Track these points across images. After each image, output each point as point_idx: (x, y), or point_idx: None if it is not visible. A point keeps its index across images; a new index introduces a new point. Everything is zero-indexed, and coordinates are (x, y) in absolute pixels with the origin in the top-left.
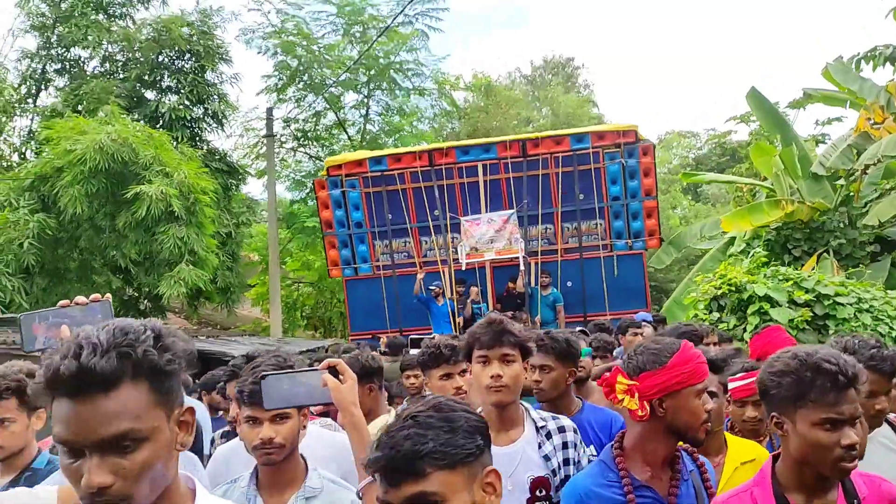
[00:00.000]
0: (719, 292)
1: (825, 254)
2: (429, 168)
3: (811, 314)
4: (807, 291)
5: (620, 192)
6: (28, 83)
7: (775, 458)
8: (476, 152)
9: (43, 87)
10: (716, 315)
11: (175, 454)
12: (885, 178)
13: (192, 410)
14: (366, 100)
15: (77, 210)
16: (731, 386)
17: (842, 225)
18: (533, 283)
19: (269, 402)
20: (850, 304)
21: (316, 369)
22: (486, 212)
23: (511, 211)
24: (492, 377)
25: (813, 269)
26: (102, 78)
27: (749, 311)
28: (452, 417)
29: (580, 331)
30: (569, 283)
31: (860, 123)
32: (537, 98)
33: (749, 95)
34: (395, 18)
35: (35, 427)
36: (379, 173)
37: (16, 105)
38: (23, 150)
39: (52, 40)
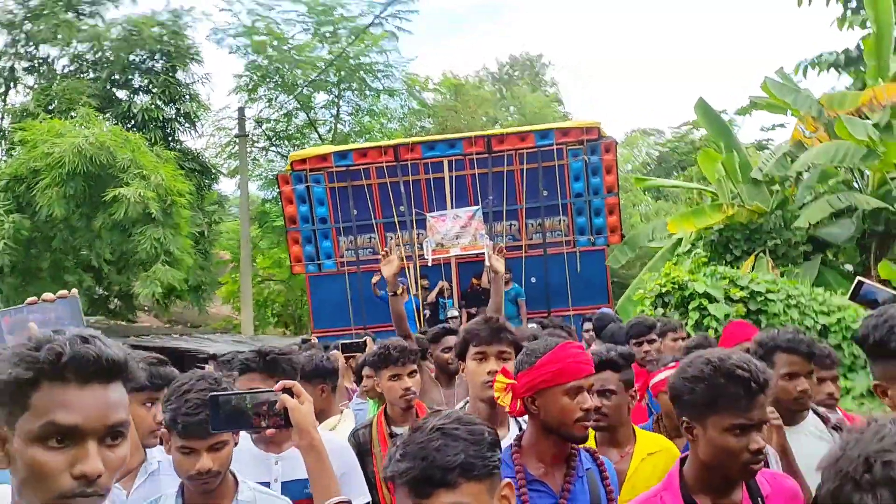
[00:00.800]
0: (664, 290)
1: (762, 253)
2: (394, 163)
3: (745, 309)
4: (741, 289)
5: (583, 189)
6: None
7: (682, 461)
8: (441, 148)
9: (12, 85)
10: (661, 311)
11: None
12: (821, 181)
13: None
14: (336, 100)
15: (55, 212)
16: (653, 381)
17: (777, 227)
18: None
19: (216, 425)
20: (780, 301)
21: (270, 390)
22: (452, 208)
23: (476, 207)
24: (489, 373)
25: (751, 267)
26: (72, 77)
27: (690, 307)
28: (476, 430)
29: (537, 323)
30: (532, 279)
31: (795, 133)
32: (504, 97)
33: (697, 105)
34: (369, 25)
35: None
36: (344, 168)
37: None
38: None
39: (20, 38)
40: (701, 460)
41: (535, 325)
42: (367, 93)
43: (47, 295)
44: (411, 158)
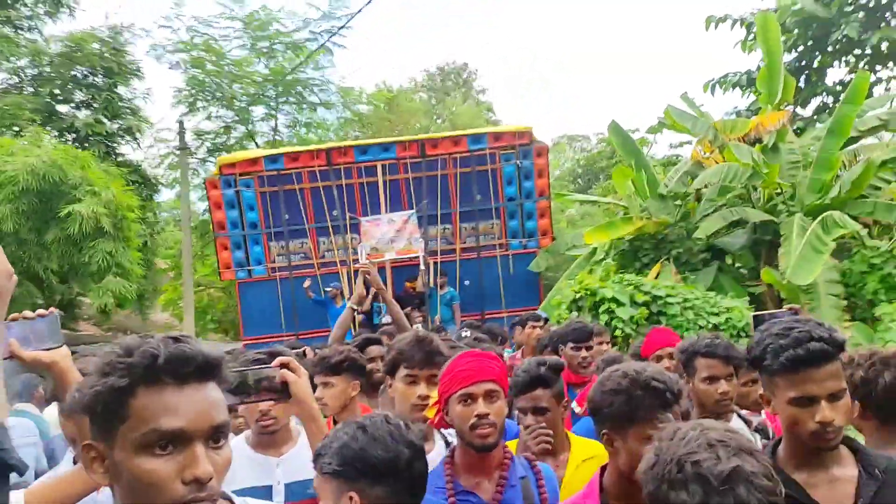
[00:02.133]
0: (577, 296)
1: (667, 261)
2: (327, 168)
3: (648, 311)
4: (645, 294)
5: (516, 193)
6: None
7: (603, 470)
8: (375, 152)
9: None
10: (575, 314)
11: None
12: (720, 195)
13: None
14: (274, 113)
15: (8, 227)
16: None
17: (680, 237)
18: (431, 284)
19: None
20: (678, 304)
21: (269, 366)
22: (386, 212)
23: (411, 211)
24: (419, 397)
25: (657, 274)
26: (12, 91)
27: (600, 310)
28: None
29: (469, 325)
30: (466, 282)
31: (694, 153)
32: (435, 109)
33: (610, 127)
34: (315, 50)
35: None
36: (275, 172)
37: None
38: None
39: None
40: (620, 470)
41: (468, 332)
42: (304, 106)
43: (27, 312)
44: (344, 162)
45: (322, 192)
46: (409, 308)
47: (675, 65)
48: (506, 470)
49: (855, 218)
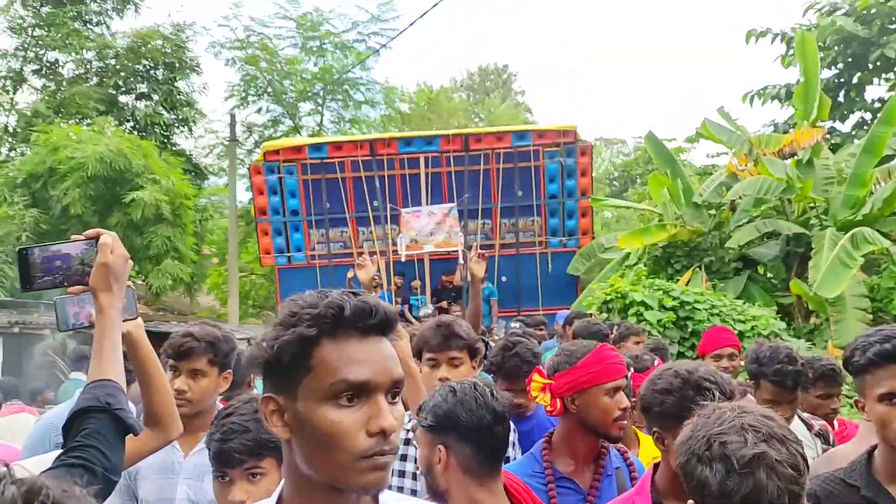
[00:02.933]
0: (608, 298)
1: (698, 268)
2: (370, 158)
3: (675, 316)
4: (673, 299)
5: (557, 191)
6: (3, 82)
7: (655, 468)
8: (418, 144)
9: (20, 86)
10: (605, 315)
11: None
12: (755, 206)
13: None
14: (320, 109)
15: (75, 209)
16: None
17: (713, 246)
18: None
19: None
20: (705, 310)
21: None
22: (427, 204)
23: (451, 204)
24: (440, 379)
25: (688, 280)
26: (79, 81)
27: (630, 313)
28: None
29: (519, 321)
30: (503, 279)
31: (729, 166)
32: (475, 108)
33: (646, 138)
34: (367, 55)
35: (221, 388)
36: (318, 161)
37: None
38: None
39: (29, 42)
40: (672, 469)
41: (516, 324)
42: (349, 103)
43: (89, 232)
44: (387, 154)
45: (364, 182)
46: (445, 301)
47: (701, 53)
48: (603, 459)
49: (886, 235)
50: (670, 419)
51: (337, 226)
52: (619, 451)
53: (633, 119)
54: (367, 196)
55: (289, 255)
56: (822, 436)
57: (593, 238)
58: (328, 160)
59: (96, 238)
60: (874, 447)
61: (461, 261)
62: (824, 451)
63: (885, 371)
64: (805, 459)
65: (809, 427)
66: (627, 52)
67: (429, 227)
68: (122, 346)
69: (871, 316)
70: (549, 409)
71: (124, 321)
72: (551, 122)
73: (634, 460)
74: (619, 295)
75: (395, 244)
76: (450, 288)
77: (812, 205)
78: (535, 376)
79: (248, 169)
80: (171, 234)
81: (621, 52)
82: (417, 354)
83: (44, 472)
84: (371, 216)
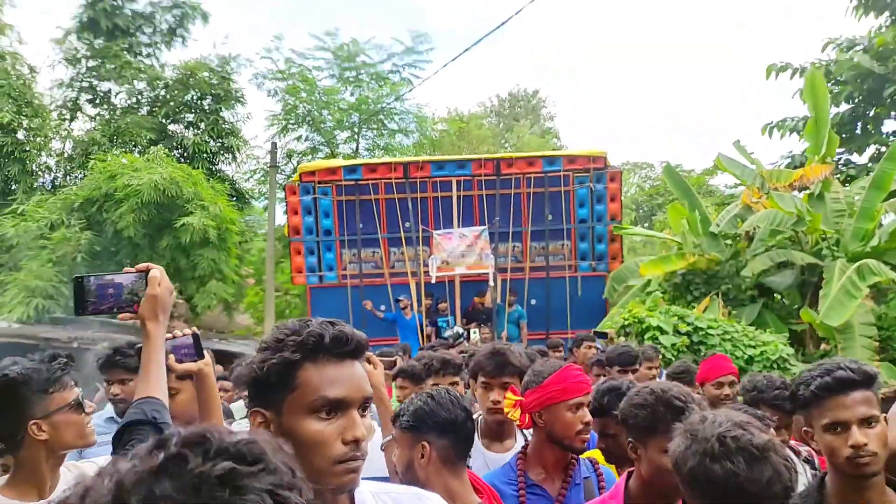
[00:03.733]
0: (626, 323)
1: (715, 296)
2: (403, 180)
3: (689, 341)
4: (688, 324)
5: (587, 215)
6: (59, 111)
7: (629, 475)
8: (451, 168)
9: (75, 115)
10: (623, 339)
11: None
12: (771, 237)
13: None
14: (356, 136)
15: (128, 232)
16: None
17: (730, 274)
18: (499, 300)
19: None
20: (717, 335)
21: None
22: (459, 227)
23: (483, 227)
24: (493, 402)
25: (706, 308)
26: (131, 111)
27: (646, 337)
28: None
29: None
30: (532, 302)
31: (744, 198)
32: (504, 135)
33: (664, 169)
34: (402, 92)
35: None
36: (353, 182)
37: (54, 130)
38: (64, 172)
39: (83, 72)
40: (643, 477)
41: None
42: (384, 132)
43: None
44: (420, 176)
45: (397, 204)
46: (475, 323)
47: (700, 54)
48: (572, 469)
49: (895, 267)
50: (643, 431)
51: (369, 246)
52: (589, 461)
53: (634, 119)
54: (399, 218)
55: (320, 274)
56: (809, 462)
57: (622, 262)
58: (362, 182)
59: (146, 271)
60: (825, 473)
61: (491, 283)
62: (813, 476)
63: (828, 402)
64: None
65: (797, 453)
66: (628, 53)
67: (460, 249)
68: (165, 367)
69: (878, 343)
70: (519, 423)
71: (193, 361)
72: (576, 144)
73: (604, 470)
74: (637, 320)
75: (426, 265)
76: (480, 310)
77: (824, 236)
78: (508, 394)
79: (284, 189)
80: (216, 257)
81: (622, 52)
82: (473, 376)
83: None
84: (403, 237)
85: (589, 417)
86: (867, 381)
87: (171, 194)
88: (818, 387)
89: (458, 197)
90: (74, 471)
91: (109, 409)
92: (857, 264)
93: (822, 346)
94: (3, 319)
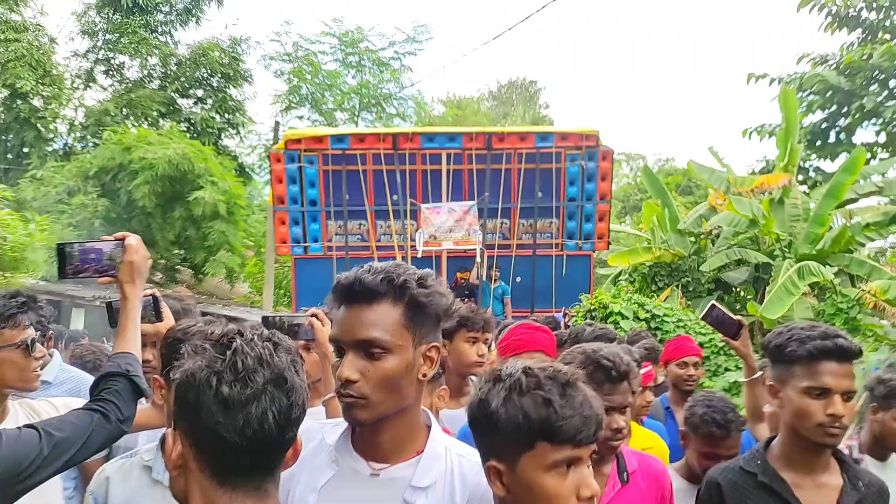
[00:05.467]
0: (592, 307)
1: (676, 287)
2: (392, 152)
3: (647, 326)
4: (646, 311)
5: (577, 194)
6: (74, 81)
7: None
8: (441, 140)
9: (89, 85)
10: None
11: (417, 381)
12: (734, 236)
13: (437, 349)
14: (356, 119)
15: (143, 202)
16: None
17: (691, 268)
18: (485, 277)
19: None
20: (672, 322)
21: (304, 315)
22: (448, 201)
23: (472, 202)
24: (479, 355)
25: (666, 297)
26: (142, 84)
27: (609, 321)
28: None
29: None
30: (518, 279)
31: (710, 200)
32: (500, 121)
33: (642, 170)
34: (416, 82)
35: None
36: (340, 152)
37: (67, 98)
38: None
39: (100, 45)
40: None
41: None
42: (382, 115)
43: (118, 234)
44: (410, 148)
45: (385, 176)
46: (459, 299)
47: (702, 48)
48: None
49: (842, 268)
50: None
51: (355, 218)
52: None
53: (629, 110)
54: (387, 190)
55: (305, 245)
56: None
57: (609, 244)
58: (350, 152)
59: (123, 239)
60: (773, 437)
61: (478, 259)
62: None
63: (819, 366)
64: (764, 465)
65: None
66: (626, 43)
67: (448, 223)
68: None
69: None
70: None
71: (150, 323)
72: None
73: None
74: (602, 305)
75: (413, 239)
76: (463, 286)
77: (779, 238)
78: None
79: (269, 156)
80: (225, 230)
81: (619, 42)
82: (452, 332)
83: (70, 411)
84: (391, 210)
85: None
86: (858, 355)
87: (183, 169)
88: (816, 348)
89: (448, 170)
90: (26, 408)
91: None
92: (798, 265)
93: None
94: (31, 277)
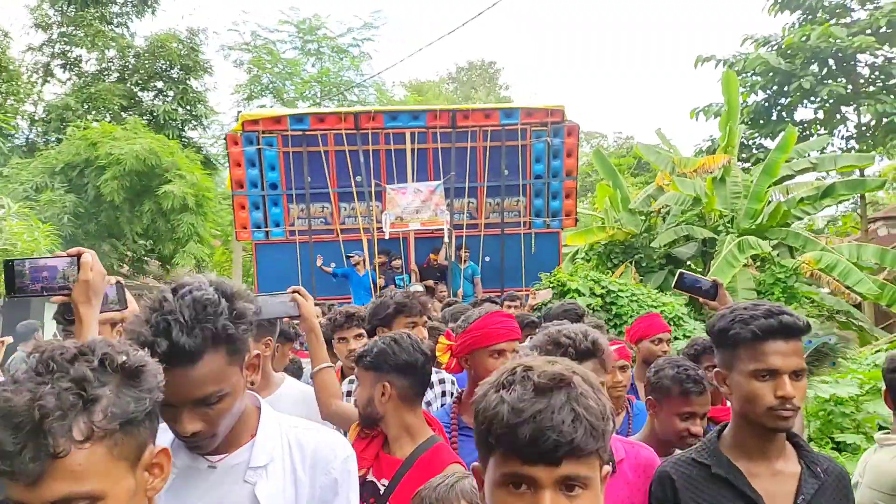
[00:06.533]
0: (551, 285)
1: (630, 264)
2: (354, 131)
3: (602, 301)
4: (602, 287)
5: (543, 171)
6: (31, 75)
7: None
8: (404, 119)
9: (46, 80)
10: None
11: (246, 388)
12: (682, 214)
13: (258, 355)
14: (318, 106)
15: (112, 198)
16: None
17: (643, 245)
18: (453, 258)
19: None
20: (626, 297)
21: (286, 293)
22: (413, 181)
23: (438, 182)
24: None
25: (621, 273)
26: (101, 78)
27: (565, 298)
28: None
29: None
30: (487, 259)
31: (658, 180)
32: (462, 101)
33: (594, 153)
34: (379, 72)
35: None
36: (300, 132)
37: (27, 93)
38: (38, 135)
39: (56, 38)
40: None
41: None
42: (343, 103)
43: (72, 250)
44: (372, 127)
45: (347, 156)
46: (431, 280)
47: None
48: None
49: (780, 241)
50: None
51: (318, 201)
52: None
53: (589, 88)
54: (350, 171)
55: (266, 230)
56: None
57: (577, 221)
58: (310, 132)
59: (78, 256)
60: (724, 425)
61: (446, 240)
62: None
63: (764, 346)
64: (716, 454)
65: None
66: (585, 22)
67: (414, 204)
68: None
69: None
70: (445, 367)
71: (116, 311)
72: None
73: None
74: (560, 283)
75: (378, 221)
76: (435, 267)
77: (722, 215)
78: (442, 338)
79: (225, 139)
80: (194, 222)
81: (578, 21)
82: (390, 319)
83: None
84: (355, 192)
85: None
86: (806, 330)
87: (150, 164)
88: (760, 328)
89: (413, 150)
90: None
91: None
92: (738, 239)
93: None
94: None
